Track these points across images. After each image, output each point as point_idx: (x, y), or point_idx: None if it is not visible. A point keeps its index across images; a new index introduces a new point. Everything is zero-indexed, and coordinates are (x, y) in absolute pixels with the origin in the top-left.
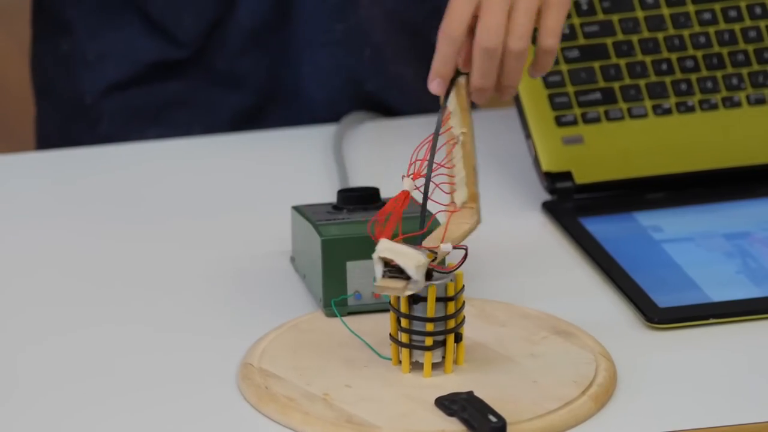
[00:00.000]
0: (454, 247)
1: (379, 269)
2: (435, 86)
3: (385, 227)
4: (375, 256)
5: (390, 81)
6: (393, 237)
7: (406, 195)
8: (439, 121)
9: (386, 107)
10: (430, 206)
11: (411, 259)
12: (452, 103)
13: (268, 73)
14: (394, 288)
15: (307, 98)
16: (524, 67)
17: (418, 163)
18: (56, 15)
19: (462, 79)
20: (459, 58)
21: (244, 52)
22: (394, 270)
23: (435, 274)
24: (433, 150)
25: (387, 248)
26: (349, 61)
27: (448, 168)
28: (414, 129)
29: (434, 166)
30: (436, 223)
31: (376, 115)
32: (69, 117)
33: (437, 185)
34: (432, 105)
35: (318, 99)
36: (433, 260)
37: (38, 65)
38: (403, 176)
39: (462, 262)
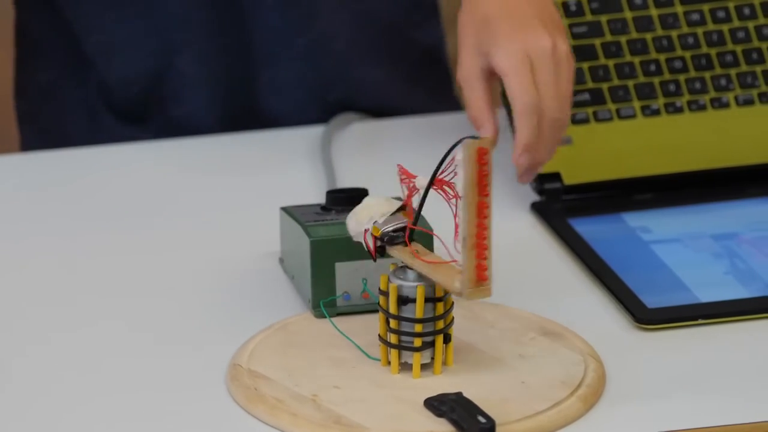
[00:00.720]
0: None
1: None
2: (523, 161)
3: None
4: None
5: (355, 87)
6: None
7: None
8: (439, 165)
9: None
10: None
11: (364, 208)
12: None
13: (224, 105)
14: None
15: (270, 117)
16: None
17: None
18: (37, 42)
19: (473, 147)
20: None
21: (196, 96)
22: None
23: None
24: (426, 191)
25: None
26: (311, 74)
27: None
28: (403, 130)
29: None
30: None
31: (364, 116)
32: (56, 146)
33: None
34: (403, 106)
35: (282, 115)
36: (380, 237)
37: (22, 93)
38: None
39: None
